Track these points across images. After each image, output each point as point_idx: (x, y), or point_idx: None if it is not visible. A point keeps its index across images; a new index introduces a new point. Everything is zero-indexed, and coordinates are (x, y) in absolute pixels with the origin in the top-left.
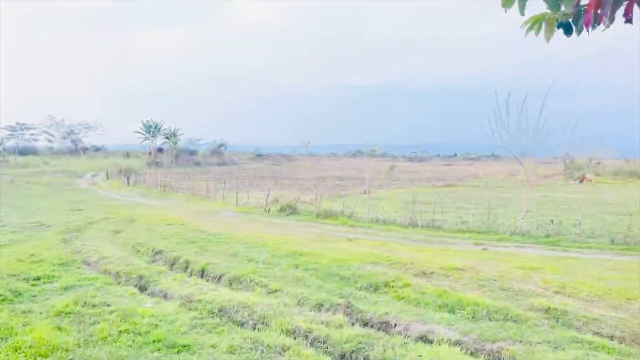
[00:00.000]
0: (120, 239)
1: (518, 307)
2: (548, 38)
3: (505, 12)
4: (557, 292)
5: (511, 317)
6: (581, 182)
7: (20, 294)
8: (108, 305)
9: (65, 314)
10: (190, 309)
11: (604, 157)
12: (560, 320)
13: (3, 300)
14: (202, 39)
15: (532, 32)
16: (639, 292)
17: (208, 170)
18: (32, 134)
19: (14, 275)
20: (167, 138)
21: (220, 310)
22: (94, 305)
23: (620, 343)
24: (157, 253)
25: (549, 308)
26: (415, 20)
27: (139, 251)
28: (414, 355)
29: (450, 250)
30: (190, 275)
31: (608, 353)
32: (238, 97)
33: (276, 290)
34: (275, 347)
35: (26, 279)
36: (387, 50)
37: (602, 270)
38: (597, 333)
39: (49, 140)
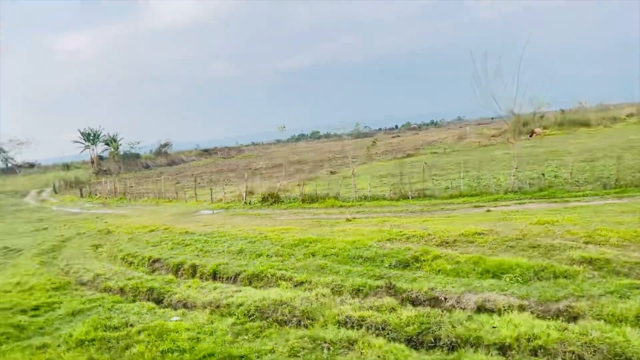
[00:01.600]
0: (104, 253)
1: (560, 263)
2: None
3: None
4: (587, 243)
5: (560, 274)
6: (531, 136)
7: (24, 329)
8: (131, 325)
9: (88, 342)
10: (223, 315)
11: (545, 110)
12: (605, 269)
13: (8, 338)
14: (123, 38)
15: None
16: None
17: (160, 172)
18: None
19: (8, 309)
20: (107, 144)
21: (257, 312)
22: (115, 328)
23: None
24: (154, 262)
25: (591, 259)
26: (336, 3)
27: (132, 263)
28: (488, 327)
29: (455, 216)
30: (203, 279)
31: None
32: (169, 95)
33: (303, 282)
34: (340, 341)
35: (24, 311)
36: (313, 34)
37: (615, 215)
38: None
39: None
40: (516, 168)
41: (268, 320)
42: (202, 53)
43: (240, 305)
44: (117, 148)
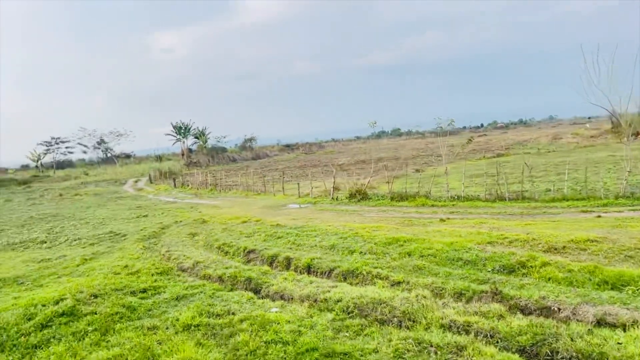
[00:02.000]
0: (201, 241)
1: None
2: None
3: None
4: None
5: None
6: (636, 137)
7: (134, 309)
8: (233, 313)
9: (194, 326)
10: (321, 309)
11: None
12: None
13: (121, 318)
14: (212, 37)
15: None
16: None
17: (246, 165)
18: (67, 147)
19: (119, 290)
20: (196, 138)
21: (356, 309)
22: (218, 315)
23: None
24: (249, 252)
25: None
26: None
27: (227, 252)
28: (612, 343)
29: (560, 221)
30: (297, 272)
31: None
32: (254, 91)
33: (400, 282)
34: (447, 346)
35: (133, 293)
36: (397, 29)
37: None
38: None
39: (84, 152)
40: (629, 171)
41: (368, 318)
42: (285, 50)
43: (339, 301)
44: (206, 141)
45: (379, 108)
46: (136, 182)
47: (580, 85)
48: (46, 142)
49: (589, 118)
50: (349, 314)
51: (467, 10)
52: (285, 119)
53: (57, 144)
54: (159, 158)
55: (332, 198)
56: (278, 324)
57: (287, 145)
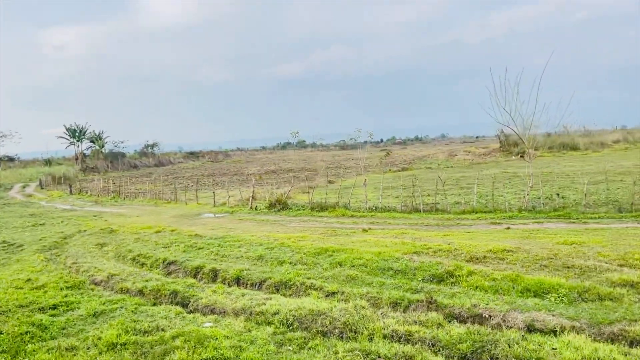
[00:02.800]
0: (111, 252)
1: (601, 285)
2: None
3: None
4: (621, 265)
5: (605, 296)
6: (522, 157)
7: (46, 328)
8: (163, 329)
9: (120, 345)
10: (259, 323)
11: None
12: None
13: (32, 337)
14: (112, 36)
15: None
16: None
17: (149, 172)
18: None
19: (25, 306)
20: (92, 142)
21: (295, 321)
22: (145, 332)
23: None
24: (169, 264)
25: (633, 282)
26: (328, 15)
27: (144, 264)
28: (547, 349)
29: (474, 232)
30: (226, 284)
31: None
32: (154, 95)
33: (335, 292)
34: (395, 356)
35: (41, 309)
36: (302, 44)
37: None
38: None
39: None
40: (531, 187)
41: (309, 331)
42: (189, 56)
43: (276, 313)
44: (103, 146)
45: (285, 119)
46: (24, 187)
47: (483, 105)
48: None
49: (477, 137)
50: (289, 327)
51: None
52: (188, 126)
53: None
54: (48, 162)
55: (251, 207)
56: (216, 339)
57: (192, 153)
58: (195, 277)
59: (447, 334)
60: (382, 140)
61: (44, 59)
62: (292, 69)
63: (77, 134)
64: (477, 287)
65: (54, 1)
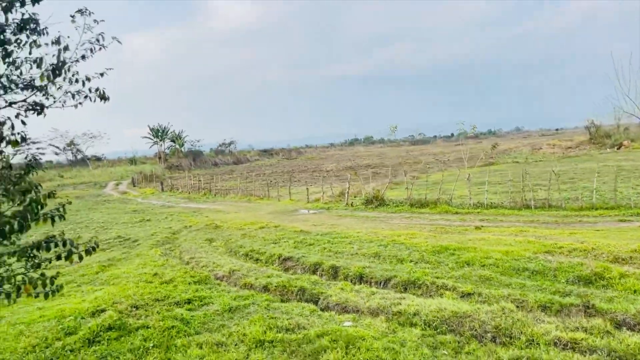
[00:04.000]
0: (221, 248)
1: None
2: None
3: None
4: None
5: None
6: (619, 148)
7: (188, 322)
8: (304, 327)
9: (268, 342)
10: (401, 324)
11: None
12: None
13: (178, 332)
14: (185, 41)
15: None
16: None
17: (229, 170)
18: (38, 148)
19: (160, 300)
20: (172, 141)
21: (441, 324)
22: (287, 330)
23: None
24: (284, 260)
25: None
26: (390, 13)
27: (258, 260)
28: None
29: (606, 230)
30: (349, 281)
31: None
32: (223, 96)
33: (470, 293)
34: None
35: (177, 304)
36: (365, 42)
37: None
38: None
39: (56, 153)
40: None
41: (460, 334)
42: (257, 57)
43: (416, 314)
44: (182, 145)
45: (350, 115)
46: (117, 185)
47: (567, 96)
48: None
49: (556, 130)
50: (435, 329)
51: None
52: (256, 125)
53: (28, 145)
54: (133, 161)
55: (347, 204)
56: (363, 339)
57: (265, 151)
58: (314, 273)
59: (622, 343)
60: (452, 135)
61: (124, 64)
62: (355, 67)
63: (159, 134)
64: (635, 291)
65: (129, 9)
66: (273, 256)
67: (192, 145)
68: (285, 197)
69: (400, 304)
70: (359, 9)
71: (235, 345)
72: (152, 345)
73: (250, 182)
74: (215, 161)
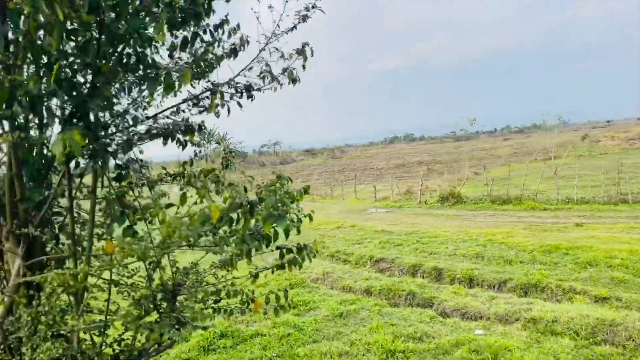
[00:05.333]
0: None
1: None
2: None
3: None
4: None
5: None
6: None
7: (302, 329)
8: (432, 336)
9: (400, 353)
10: (542, 332)
11: None
12: None
13: (295, 340)
14: None
15: None
16: None
17: (279, 170)
18: None
19: None
20: (217, 143)
21: (592, 333)
22: (415, 339)
23: None
24: (377, 261)
25: None
26: (430, 5)
27: (346, 261)
28: None
29: None
30: (457, 284)
31: None
32: (260, 94)
33: (606, 298)
34: None
35: (281, 308)
36: (406, 34)
37: None
38: None
39: None
40: None
41: (620, 345)
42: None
43: (554, 321)
44: (227, 146)
45: (389, 113)
46: None
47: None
48: None
49: (608, 122)
50: (586, 339)
51: (469, 17)
52: (298, 124)
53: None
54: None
55: (420, 202)
56: (509, 350)
57: (307, 150)
58: (413, 275)
59: None
60: (495, 130)
61: None
62: (395, 60)
63: (206, 137)
64: None
65: None
66: (363, 257)
67: (234, 146)
68: (348, 195)
69: (532, 310)
70: (397, 4)
71: (363, 355)
72: (274, 355)
73: (304, 181)
74: (262, 162)
